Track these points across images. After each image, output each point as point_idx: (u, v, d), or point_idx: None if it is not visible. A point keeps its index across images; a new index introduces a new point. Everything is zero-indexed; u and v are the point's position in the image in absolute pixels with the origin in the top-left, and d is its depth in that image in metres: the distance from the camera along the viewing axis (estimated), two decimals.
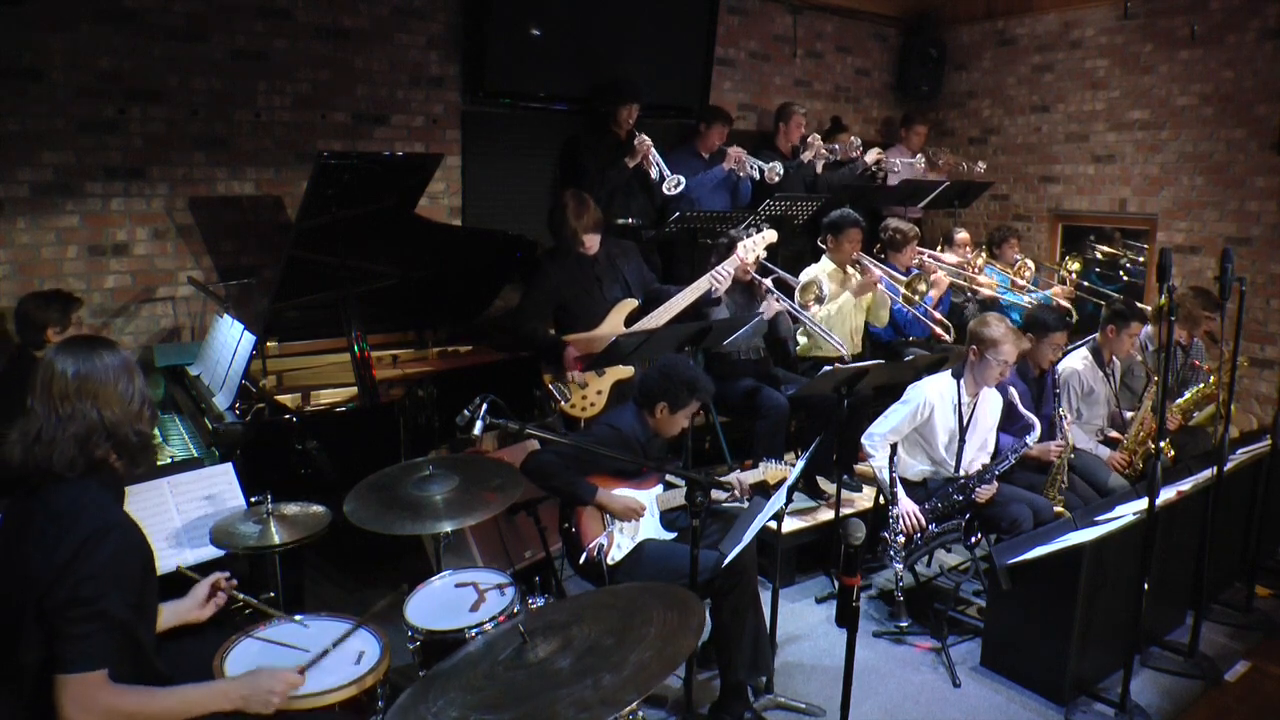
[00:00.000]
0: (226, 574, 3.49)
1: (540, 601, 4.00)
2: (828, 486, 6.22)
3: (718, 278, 5.81)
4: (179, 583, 3.57)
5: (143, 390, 2.97)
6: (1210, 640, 5.23)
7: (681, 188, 7.04)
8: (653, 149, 7.12)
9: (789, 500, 4.42)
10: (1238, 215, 8.30)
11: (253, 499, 4.00)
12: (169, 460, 4.68)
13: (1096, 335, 6.21)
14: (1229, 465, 5.14)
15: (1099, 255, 9.41)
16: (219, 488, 4.13)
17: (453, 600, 3.97)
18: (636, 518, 4.55)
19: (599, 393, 5.74)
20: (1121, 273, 9.39)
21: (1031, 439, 5.23)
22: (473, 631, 3.65)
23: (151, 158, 6.08)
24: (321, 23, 6.58)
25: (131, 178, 6.03)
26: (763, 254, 6.09)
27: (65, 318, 4.95)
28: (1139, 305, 6.48)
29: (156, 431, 4.30)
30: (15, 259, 5.70)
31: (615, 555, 4.47)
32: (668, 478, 4.77)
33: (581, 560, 4.51)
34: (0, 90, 5.52)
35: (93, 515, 2.70)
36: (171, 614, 3.30)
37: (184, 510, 3.99)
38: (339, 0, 6.62)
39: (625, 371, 5.74)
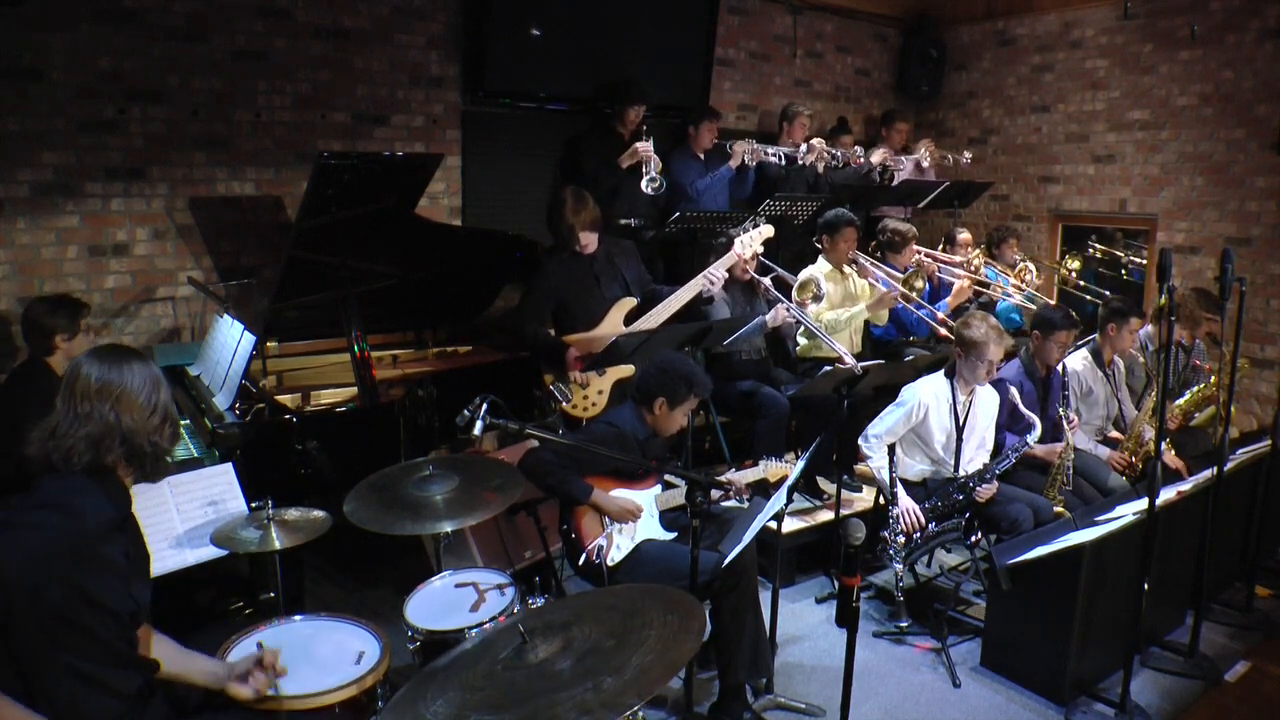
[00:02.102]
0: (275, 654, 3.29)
1: (540, 601, 4.01)
2: (828, 486, 6.22)
3: (711, 278, 5.80)
4: (174, 585, 3.57)
5: (167, 405, 2.95)
6: (1210, 640, 5.23)
7: (664, 189, 7.07)
8: (650, 152, 7.11)
9: (789, 500, 4.40)
10: (1238, 215, 8.30)
11: (254, 504, 4.00)
12: (169, 460, 4.68)
13: (1096, 336, 6.21)
14: (1229, 465, 5.13)
15: (1099, 255, 9.40)
16: (219, 488, 4.11)
17: (453, 600, 3.99)
18: (633, 519, 4.54)
19: (600, 392, 5.73)
20: (1124, 272, 9.38)
21: (1032, 438, 5.24)
22: (473, 632, 3.65)
23: (151, 158, 6.08)
24: (321, 23, 6.58)
25: (131, 178, 6.03)
26: (760, 249, 6.09)
27: (73, 323, 4.90)
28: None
29: None
30: (15, 259, 5.70)
31: (615, 556, 4.46)
32: (667, 477, 4.77)
33: (581, 561, 4.51)
34: (0, 90, 5.52)
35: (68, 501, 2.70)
36: (207, 673, 3.18)
37: (184, 510, 3.97)
38: (339, 0, 6.61)
39: (626, 371, 5.72)
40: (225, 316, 5.44)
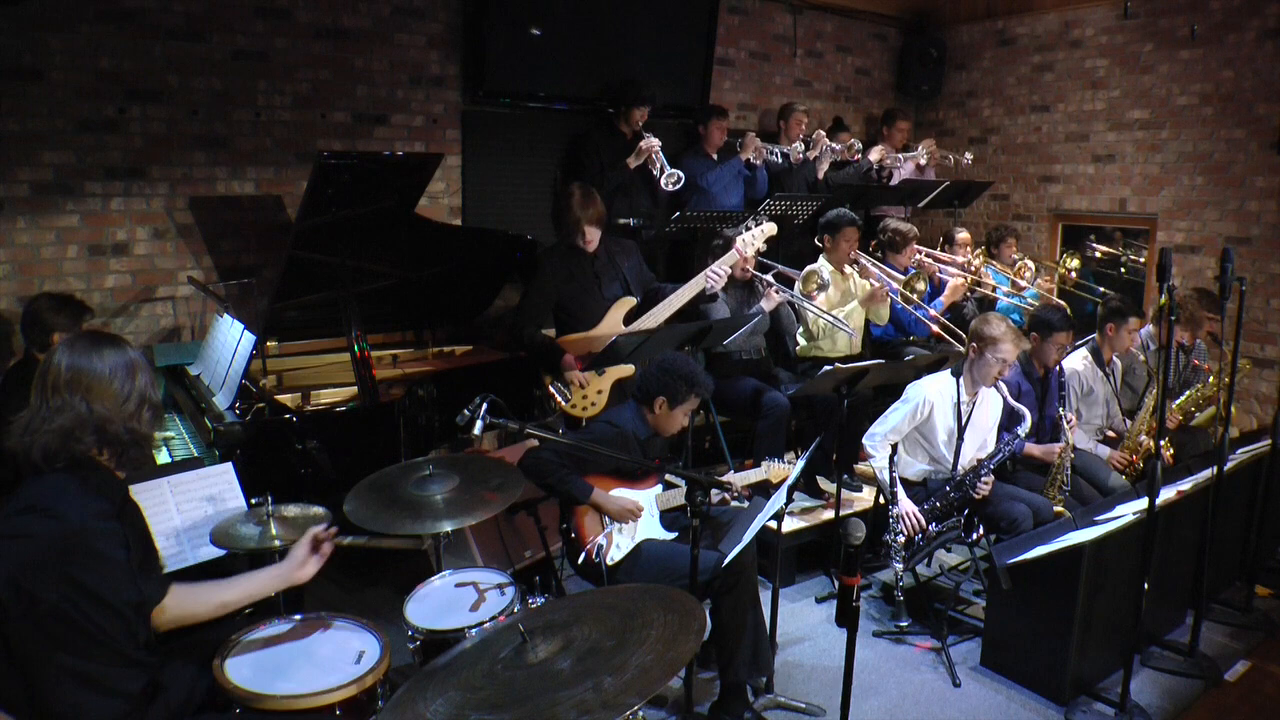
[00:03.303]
0: (324, 525, 3.42)
1: (540, 601, 4.00)
2: (828, 486, 6.22)
3: (713, 276, 5.80)
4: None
5: (144, 390, 2.92)
6: (1210, 640, 5.22)
7: (680, 183, 7.08)
8: (658, 149, 7.13)
9: (789, 500, 4.40)
10: (1238, 215, 8.30)
11: (253, 501, 3.99)
12: (169, 460, 4.68)
13: (1095, 335, 6.23)
14: (1229, 465, 5.13)
15: (1099, 254, 9.39)
16: (219, 488, 4.11)
17: (453, 600, 3.98)
18: (634, 518, 4.54)
19: (600, 392, 5.72)
20: (1124, 269, 9.37)
21: (1023, 429, 5.26)
22: (473, 631, 3.65)
23: (151, 158, 6.08)
24: (321, 23, 6.58)
25: (131, 178, 6.03)
26: (762, 247, 6.09)
27: (75, 324, 4.88)
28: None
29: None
30: (15, 259, 5.70)
31: (614, 555, 4.46)
32: (667, 477, 4.76)
33: (580, 560, 4.51)
34: (0, 90, 5.52)
35: (61, 514, 2.69)
36: (272, 578, 3.26)
37: (184, 510, 3.98)
38: (339, 0, 6.61)
39: (626, 370, 5.72)
40: (225, 316, 5.44)
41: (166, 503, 3.95)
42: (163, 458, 4.93)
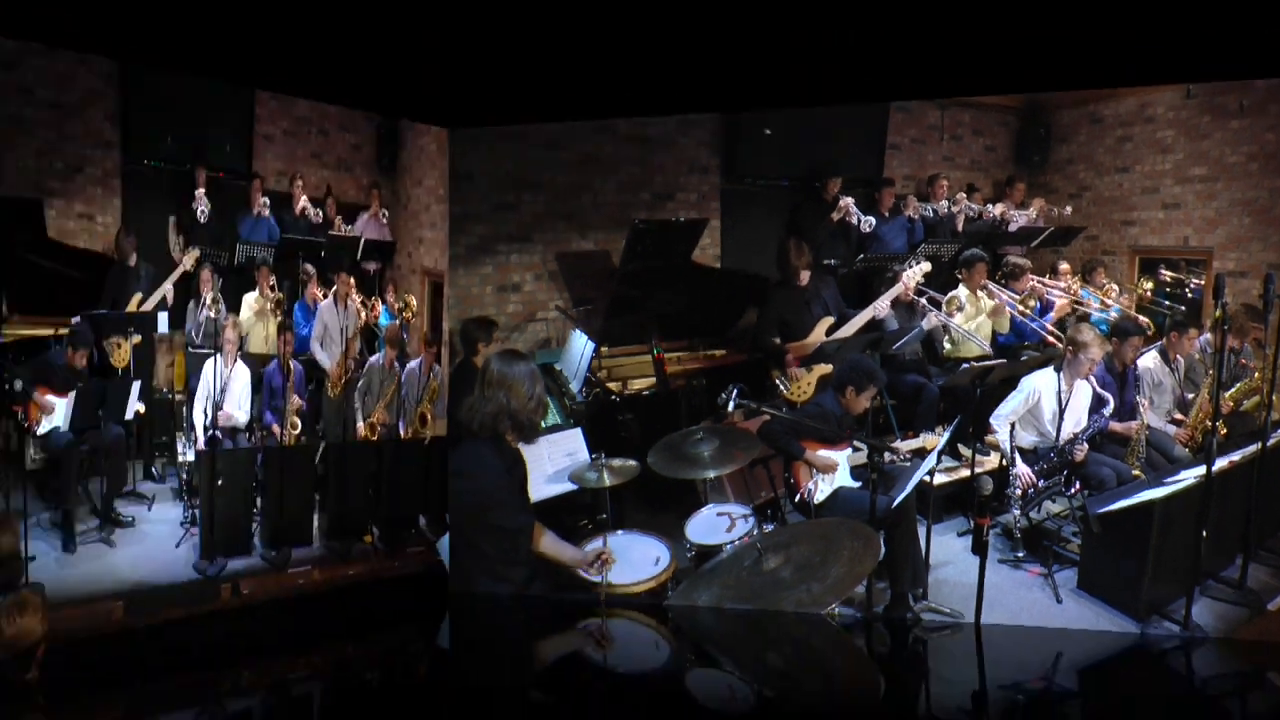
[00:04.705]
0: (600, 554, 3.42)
1: (770, 528, 3.93)
2: (966, 452, 5.78)
3: (878, 307, 5.62)
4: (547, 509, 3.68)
5: (541, 393, 3.06)
6: (1255, 578, 4.54)
7: (874, 227, 6.75)
8: (852, 205, 6.84)
9: (939, 461, 4.23)
10: (1279, 247, 7.22)
11: (593, 455, 4.07)
12: (545, 425, 4.84)
13: (1163, 340, 5.68)
14: (1270, 441, 4.60)
15: (1167, 278, 8.38)
16: (573, 445, 4.24)
17: (715, 524, 3.97)
18: (833, 471, 4.36)
19: (809, 384, 5.52)
20: (1188, 290, 8.33)
21: (1106, 411, 4.82)
22: (728, 546, 3.62)
23: (533, 228, 6.20)
24: (634, 133, 6.52)
25: (523, 241, 6.18)
26: (921, 280, 5.86)
27: (489, 336, 5.11)
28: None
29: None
30: (457, 295, 5.97)
31: (819, 497, 4.27)
32: (855, 443, 4.57)
33: (796, 500, 4.35)
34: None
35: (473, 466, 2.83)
36: (571, 557, 3.38)
37: (553, 459, 4.12)
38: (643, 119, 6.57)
39: (826, 368, 5.48)
40: (576, 331, 5.56)
41: (542, 454, 4.09)
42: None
